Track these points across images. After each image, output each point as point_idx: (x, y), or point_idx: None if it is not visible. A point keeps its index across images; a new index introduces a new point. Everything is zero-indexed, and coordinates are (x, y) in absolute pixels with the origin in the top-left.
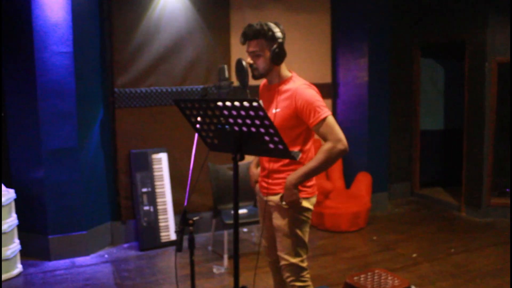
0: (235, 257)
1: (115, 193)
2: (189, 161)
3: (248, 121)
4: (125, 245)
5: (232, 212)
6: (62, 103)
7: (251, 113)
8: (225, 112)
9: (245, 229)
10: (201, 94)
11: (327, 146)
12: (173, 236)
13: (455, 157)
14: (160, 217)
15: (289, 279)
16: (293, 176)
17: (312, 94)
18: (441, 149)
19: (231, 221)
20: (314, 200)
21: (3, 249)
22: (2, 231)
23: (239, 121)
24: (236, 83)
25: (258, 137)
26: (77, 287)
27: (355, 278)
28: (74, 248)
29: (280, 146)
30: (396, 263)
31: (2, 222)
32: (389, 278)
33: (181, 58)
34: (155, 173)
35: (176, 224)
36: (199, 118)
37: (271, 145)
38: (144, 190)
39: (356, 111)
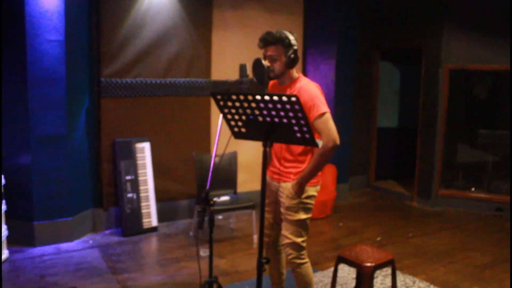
0: (260, 235)
1: (98, 181)
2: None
3: (282, 113)
4: (107, 232)
5: (217, 198)
6: (52, 90)
7: (287, 106)
8: (261, 105)
9: (220, 217)
10: (225, 89)
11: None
12: (154, 223)
13: (407, 153)
14: (142, 204)
15: (290, 256)
16: (298, 180)
17: (315, 91)
18: (395, 145)
19: (217, 207)
20: (318, 187)
21: None
22: None
23: (273, 113)
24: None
25: (288, 127)
26: (70, 271)
27: (347, 252)
28: (58, 234)
29: (307, 135)
30: None
31: None
32: (375, 251)
33: (165, 52)
34: (138, 162)
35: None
36: (233, 110)
37: (298, 134)
38: (128, 177)
39: None
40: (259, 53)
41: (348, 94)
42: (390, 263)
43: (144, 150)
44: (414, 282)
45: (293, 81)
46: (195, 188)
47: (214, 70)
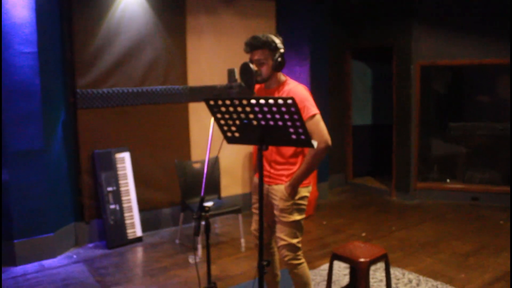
0: (260, 241)
1: (79, 194)
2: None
3: (277, 116)
4: (90, 245)
5: (209, 204)
6: (27, 104)
7: (283, 109)
8: (256, 109)
9: (203, 222)
10: (215, 94)
11: None
12: (139, 233)
13: (382, 149)
14: (125, 214)
15: (286, 258)
16: (291, 182)
17: (304, 94)
18: (370, 142)
19: (204, 213)
20: (310, 188)
21: None
22: None
23: (268, 116)
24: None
25: (283, 129)
26: None
27: (340, 249)
28: (40, 251)
29: (303, 137)
30: None
31: None
32: (368, 247)
33: (141, 60)
34: (119, 172)
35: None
36: (226, 115)
37: (294, 136)
38: (109, 189)
39: None
40: (234, 57)
41: (323, 94)
42: (383, 257)
43: (124, 160)
44: (403, 275)
45: (281, 84)
46: (178, 196)
47: (191, 76)
